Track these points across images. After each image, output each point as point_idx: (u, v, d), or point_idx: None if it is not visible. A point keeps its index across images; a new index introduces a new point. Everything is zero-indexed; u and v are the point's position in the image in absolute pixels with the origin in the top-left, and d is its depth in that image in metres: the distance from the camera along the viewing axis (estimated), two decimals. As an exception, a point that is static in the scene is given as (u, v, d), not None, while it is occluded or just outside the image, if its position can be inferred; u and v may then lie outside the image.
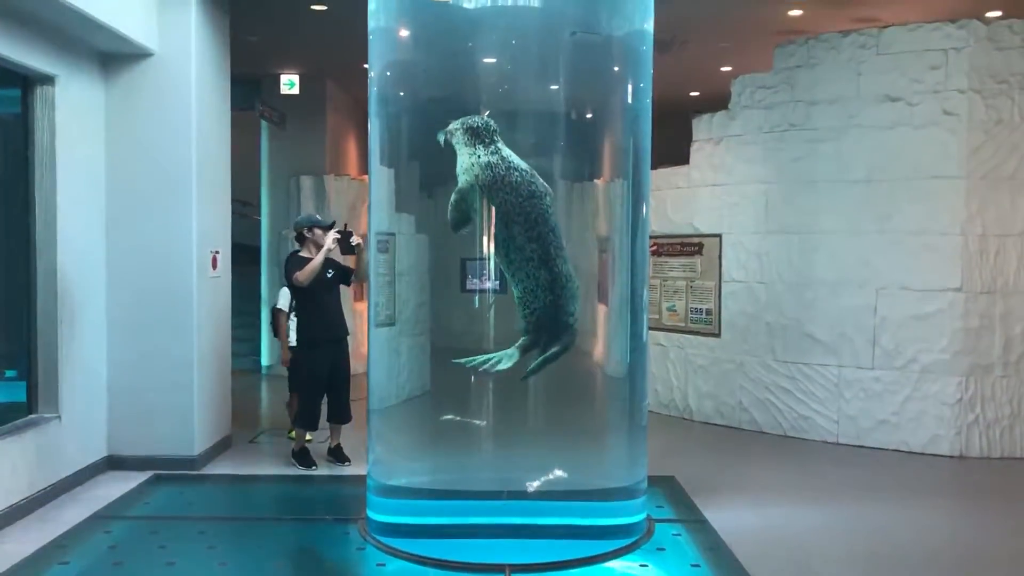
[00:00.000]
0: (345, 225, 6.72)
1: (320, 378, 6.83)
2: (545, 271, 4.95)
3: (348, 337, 7.05)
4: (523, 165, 5.06)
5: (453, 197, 5.08)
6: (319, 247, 6.68)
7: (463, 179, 5.08)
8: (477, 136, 5.04)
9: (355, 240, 6.63)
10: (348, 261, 7.08)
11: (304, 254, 6.82)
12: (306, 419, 6.89)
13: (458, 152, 5.11)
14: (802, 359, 8.12)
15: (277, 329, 7.44)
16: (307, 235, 6.86)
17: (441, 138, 5.12)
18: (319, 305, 6.76)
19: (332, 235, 6.57)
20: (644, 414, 5.57)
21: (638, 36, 5.41)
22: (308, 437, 7.30)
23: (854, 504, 6.17)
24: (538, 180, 5.04)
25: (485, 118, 5.07)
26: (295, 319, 7.06)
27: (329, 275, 6.79)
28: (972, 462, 7.33)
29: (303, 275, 6.54)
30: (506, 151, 5.06)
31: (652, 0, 5.38)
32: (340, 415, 6.97)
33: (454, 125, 5.10)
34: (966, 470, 7.18)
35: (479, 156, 5.02)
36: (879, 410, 7.71)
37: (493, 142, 5.05)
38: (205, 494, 6.27)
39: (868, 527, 5.69)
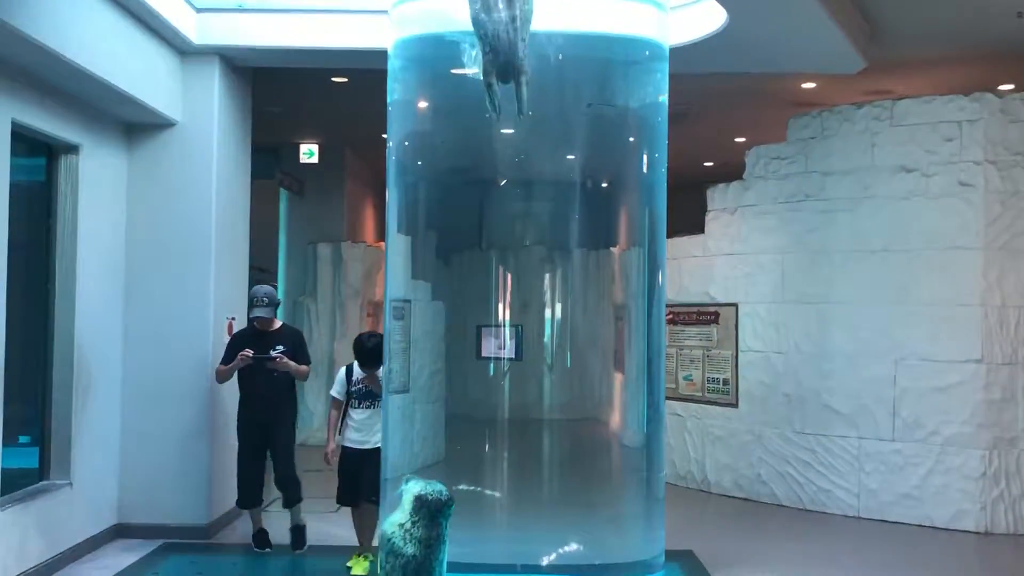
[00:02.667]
0: (278, 355, 6.19)
1: (251, 453, 6.32)
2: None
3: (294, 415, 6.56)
4: None
5: None
6: (259, 322, 6.32)
7: None
8: None
9: (270, 366, 6.17)
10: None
11: (257, 324, 6.35)
12: (241, 496, 6.38)
13: None
14: (821, 431, 8.00)
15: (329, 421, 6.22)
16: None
17: None
18: (254, 379, 6.25)
19: (244, 356, 6.14)
20: (661, 486, 5.49)
21: (653, 108, 5.48)
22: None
23: (878, 581, 6.02)
24: None
25: None
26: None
27: (276, 349, 6.23)
28: (998, 539, 7.13)
29: (218, 377, 6.43)
30: None
31: (667, 73, 5.46)
32: (284, 496, 6.36)
33: None
34: (992, 548, 6.99)
35: None
36: (901, 484, 7.56)
37: None
38: (215, 564, 6.17)
39: (893, 606, 5.53)
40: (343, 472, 5.94)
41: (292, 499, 6.37)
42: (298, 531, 6.42)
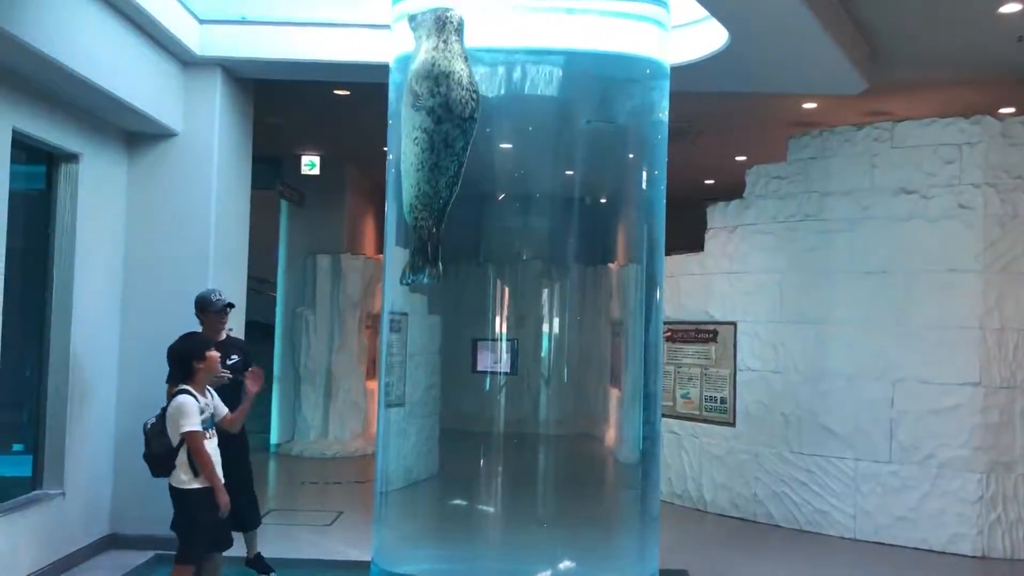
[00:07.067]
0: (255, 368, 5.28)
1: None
2: None
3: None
4: None
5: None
6: (212, 329, 5.69)
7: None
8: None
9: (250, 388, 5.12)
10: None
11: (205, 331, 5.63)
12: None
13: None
14: (818, 451, 7.97)
15: (199, 462, 4.69)
16: (199, 315, 5.78)
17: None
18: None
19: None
20: (656, 504, 5.46)
21: (654, 125, 5.48)
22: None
23: (873, 604, 5.98)
24: None
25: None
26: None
27: (231, 361, 5.68)
28: (995, 563, 7.09)
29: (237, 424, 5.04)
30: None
31: (668, 91, 5.47)
32: (245, 521, 5.68)
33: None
34: (989, 572, 6.95)
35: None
36: (897, 506, 7.52)
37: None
38: (206, 576, 6.12)
39: (888, 629, 5.49)
40: (212, 519, 4.76)
41: (253, 523, 5.88)
42: (260, 558, 5.97)
